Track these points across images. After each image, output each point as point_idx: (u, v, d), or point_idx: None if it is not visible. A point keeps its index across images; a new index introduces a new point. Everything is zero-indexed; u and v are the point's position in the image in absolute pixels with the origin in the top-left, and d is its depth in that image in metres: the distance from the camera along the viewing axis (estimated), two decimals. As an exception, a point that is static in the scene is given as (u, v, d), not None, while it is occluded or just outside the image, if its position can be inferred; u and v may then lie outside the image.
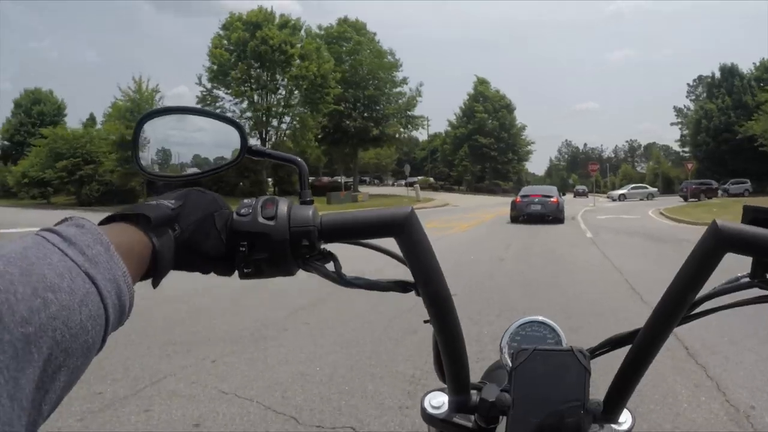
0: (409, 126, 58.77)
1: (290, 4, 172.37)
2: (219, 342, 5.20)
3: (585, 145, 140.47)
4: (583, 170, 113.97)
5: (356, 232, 0.67)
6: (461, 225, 20.59)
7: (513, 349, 0.77)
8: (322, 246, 0.69)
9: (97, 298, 0.45)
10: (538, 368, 0.71)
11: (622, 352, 0.71)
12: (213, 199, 0.69)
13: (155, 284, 0.62)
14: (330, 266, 0.70)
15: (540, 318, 0.84)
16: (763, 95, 50.77)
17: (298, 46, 43.88)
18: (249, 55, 42.29)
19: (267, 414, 3.57)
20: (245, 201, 0.68)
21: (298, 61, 43.32)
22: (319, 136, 52.20)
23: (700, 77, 79.80)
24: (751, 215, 0.65)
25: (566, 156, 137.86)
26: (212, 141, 0.79)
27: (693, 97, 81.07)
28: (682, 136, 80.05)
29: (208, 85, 45.13)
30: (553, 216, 22.34)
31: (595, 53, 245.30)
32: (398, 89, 56.87)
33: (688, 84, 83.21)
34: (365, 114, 54.78)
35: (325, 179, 66.14)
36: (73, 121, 77.50)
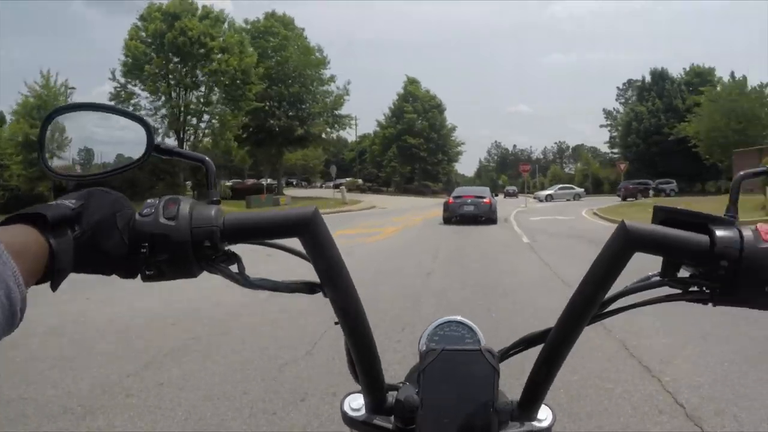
0: (336, 125, 56.32)
1: (222, 4, 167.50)
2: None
3: (514, 146, 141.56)
4: (512, 171, 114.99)
5: (260, 232, 0.67)
6: (387, 230, 18.82)
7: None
8: (227, 247, 0.68)
9: None
10: (446, 368, 0.70)
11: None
12: (116, 199, 0.67)
13: (54, 287, 0.60)
14: (235, 268, 0.69)
15: (458, 318, 0.82)
16: (694, 98, 52.00)
17: (220, 39, 40.92)
18: (166, 47, 39.22)
19: None
20: (149, 201, 0.67)
21: (219, 54, 40.36)
22: (243, 136, 49.69)
23: (629, 81, 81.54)
24: (662, 216, 0.68)
25: (496, 157, 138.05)
26: (135, 139, 0.75)
27: (622, 100, 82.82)
28: (611, 137, 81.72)
29: (122, 80, 41.51)
30: (486, 217, 22.04)
31: (529, 57, 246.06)
32: (325, 87, 54.61)
33: (618, 87, 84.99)
34: (290, 113, 52.15)
35: (249, 181, 63.43)
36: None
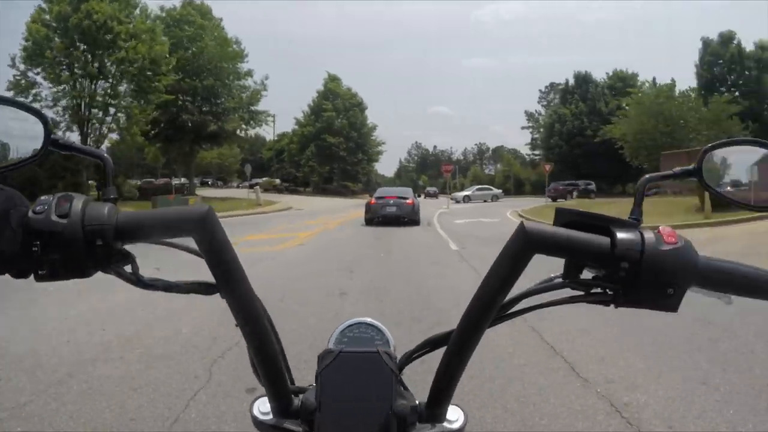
0: (252, 122, 53.44)
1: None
2: None
3: (435, 147, 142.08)
4: (433, 171, 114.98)
5: (153, 230, 0.66)
6: (300, 235, 16.86)
7: None
8: (124, 246, 0.67)
9: None
10: (344, 371, 0.70)
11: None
12: (10, 196, 0.65)
13: None
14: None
15: (368, 320, 0.85)
16: (621, 100, 52.77)
17: (130, 25, 36.96)
18: (70, 32, 35.17)
19: None
20: (42, 198, 0.66)
21: (130, 41, 36.37)
22: (154, 132, 46.65)
23: (552, 84, 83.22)
24: (564, 218, 0.69)
25: (416, 157, 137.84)
26: (31, 133, 0.73)
27: (545, 103, 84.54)
28: (533, 139, 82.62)
29: (23, 68, 36.88)
30: (408, 218, 21.68)
31: (451, 59, 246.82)
32: (242, 82, 51.84)
33: (540, 90, 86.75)
34: (204, 108, 49.02)
35: (160, 181, 60.18)
36: None
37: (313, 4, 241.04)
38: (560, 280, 0.70)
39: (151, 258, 0.75)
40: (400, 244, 14.35)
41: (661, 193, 34.95)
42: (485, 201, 52.66)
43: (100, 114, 38.96)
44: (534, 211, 28.62)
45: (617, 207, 22.01)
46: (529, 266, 0.65)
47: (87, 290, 7.27)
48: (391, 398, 0.68)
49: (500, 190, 60.54)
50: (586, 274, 0.71)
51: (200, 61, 47.70)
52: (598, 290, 0.69)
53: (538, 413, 3.69)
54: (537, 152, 79.86)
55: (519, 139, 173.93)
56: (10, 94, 33.90)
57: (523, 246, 0.63)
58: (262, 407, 0.76)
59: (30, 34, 35.66)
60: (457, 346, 0.69)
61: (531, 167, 78.11)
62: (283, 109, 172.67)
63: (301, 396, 0.75)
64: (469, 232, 18.16)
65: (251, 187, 49.97)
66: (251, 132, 61.57)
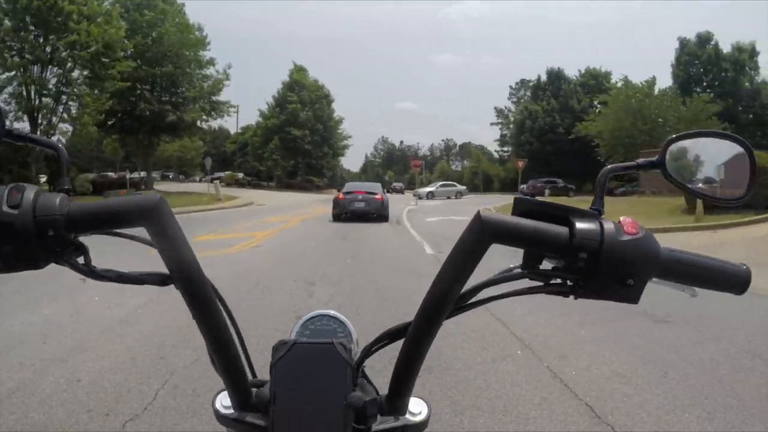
0: (214, 113, 50.65)
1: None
2: None
3: (401, 142, 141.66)
4: (399, 167, 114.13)
5: (105, 221, 0.65)
6: (258, 235, 15.17)
7: None
8: (78, 237, 0.67)
9: None
10: (298, 362, 0.69)
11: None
12: None
13: None
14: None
15: (331, 312, 0.88)
16: (600, 97, 51.81)
17: (84, 7, 34.01)
18: (20, 13, 32.37)
19: None
20: None
21: (82, 23, 33.27)
22: (109, 123, 44.14)
23: (522, 80, 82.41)
24: (522, 207, 0.69)
25: (382, 153, 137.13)
26: None
27: (515, 99, 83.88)
28: (502, 135, 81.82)
29: None
30: (377, 213, 21.35)
31: (419, 56, 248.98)
32: (204, 71, 49.01)
33: (511, 86, 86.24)
34: (163, 97, 46.43)
35: (116, 175, 57.37)
36: None
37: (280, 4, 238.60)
38: (519, 270, 0.70)
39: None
40: (370, 248, 12.74)
41: (639, 193, 34.01)
42: (448, 197, 51.24)
43: (52, 103, 36.44)
44: (508, 208, 26.71)
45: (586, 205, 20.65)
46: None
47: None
48: (345, 389, 0.67)
49: (464, 187, 59.26)
50: (547, 265, 0.70)
51: (160, 47, 44.95)
52: (558, 281, 0.69)
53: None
54: (506, 149, 79.43)
55: (486, 136, 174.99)
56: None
57: (480, 235, 0.63)
58: (224, 401, 0.76)
59: (-23, 15, 32.88)
60: (414, 338, 0.69)
61: (500, 164, 77.46)
62: (248, 102, 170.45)
63: (256, 389, 0.74)
64: (442, 232, 16.72)
65: (212, 181, 47.93)
66: (214, 124, 59.17)
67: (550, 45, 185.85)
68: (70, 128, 38.54)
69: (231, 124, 77.49)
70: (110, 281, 0.67)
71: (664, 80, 56.72)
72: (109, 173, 60.63)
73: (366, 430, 0.71)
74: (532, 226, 0.64)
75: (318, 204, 33.02)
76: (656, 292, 0.73)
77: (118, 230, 0.68)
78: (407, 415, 0.75)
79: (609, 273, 0.64)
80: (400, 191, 65.98)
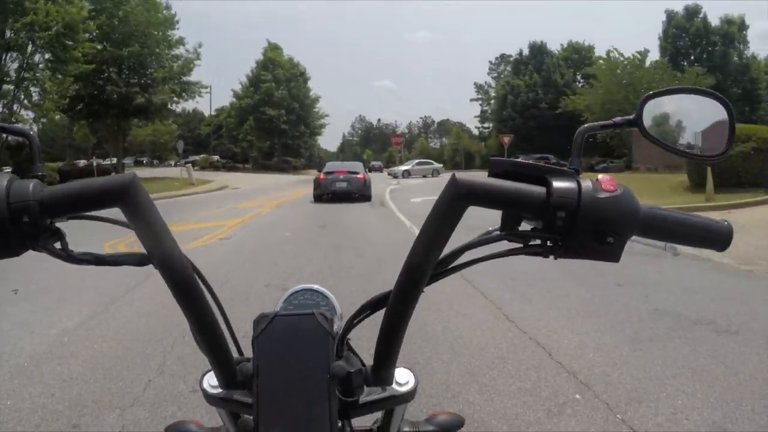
0: (185, 94, 48.55)
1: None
2: None
3: (379, 120, 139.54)
4: (376, 145, 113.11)
5: (79, 204, 0.65)
6: (228, 224, 13.61)
7: None
8: (55, 223, 0.67)
9: None
10: (280, 334, 0.69)
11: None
12: None
13: None
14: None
15: (315, 286, 0.88)
16: (584, 71, 52.06)
17: None
18: None
19: None
20: None
21: (41, 1, 31.37)
22: (76, 108, 42.15)
23: (502, 55, 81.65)
24: (499, 168, 0.69)
25: (360, 131, 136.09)
26: None
27: (495, 75, 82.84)
28: (482, 111, 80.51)
29: None
30: (359, 193, 21.02)
31: (395, 33, 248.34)
32: (174, 51, 46.79)
33: (491, 62, 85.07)
34: (132, 79, 44.18)
35: (84, 162, 55.02)
36: None
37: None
38: (498, 232, 0.70)
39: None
40: (354, 237, 11.22)
41: (634, 169, 32.84)
42: (424, 176, 49.40)
43: (14, 90, 34.33)
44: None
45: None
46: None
47: None
48: (328, 360, 0.67)
49: (440, 165, 57.37)
50: (526, 227, 0.70)
51: (126, 27, 42.74)
52: (537, 242, 0.68)
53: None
54: (487, 125, 78.22)
55: (465, 113, 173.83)
56: None
57: (456, 198, 0.63)
58: (212, 381, 0.75)
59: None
60: (396, 307, 0.69)
61: (480, 140, 76.39)
62: (222, 82, 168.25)
63: (241, 364, 0.73)
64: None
65: (185, 165, 46.07)
66: (187, 106, 57.04)
67: (530, 19, 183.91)
68: (32, 116, 36.33)
69: (205, 106, 76.11)
70: (88, 264, 0.68)
71: (652, 54, 55.80)
72: (81, 161, 58.39)
73: (354, 402, 0.72)
74: (508, 187, 0.64)
75: (295, 185, 31.60)
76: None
77: (93, 213, 0.68)
78: (394, 385, 0.75)
79: (588, 231, 0.64)
80: (379, 170, 64.38)
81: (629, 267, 7.43)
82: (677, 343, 4.64)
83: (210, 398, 0.75)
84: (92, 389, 3.78)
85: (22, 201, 0.61)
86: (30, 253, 0.65)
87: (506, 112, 64.20)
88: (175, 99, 48.75)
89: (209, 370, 0.75)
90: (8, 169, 30.21)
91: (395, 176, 47.74)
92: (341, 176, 21.39)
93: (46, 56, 34.29)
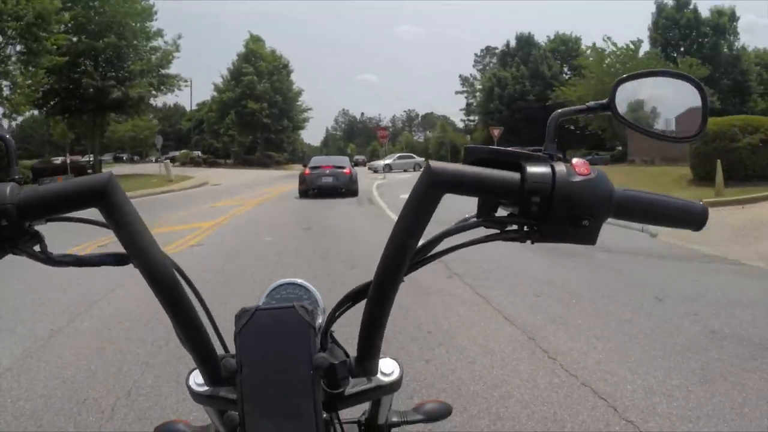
0: (163, 87, 46.83)
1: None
2: None
3: (362, 114, 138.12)
4: (360, 139, 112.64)
5: (57, 205, 0.65)
6: (204, 226, 12.36)
7: None
8: (33, 226, 0.67)
9: None
10: (261, 328, 0.69)
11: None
12: None
13: None
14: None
15: (298, 280, 0.89)
16: (576, 62, 50.23)
17: None
18: None
19: None
20: None
21: None
22: (52, 103, 40.70)
23: (488, 48, 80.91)
24: (474, 155, 0.69)
25: (343, 125, 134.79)
26: None
27: (480, 67, 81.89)
28: (467, 104, 79.65)
29: None
30: (346, 188, 20.74)
31: (378, 27, 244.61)
32: (153, 43, 45.07)
33: (476, 54, 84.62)
34: (110, 72, 42.54)
35: (58, 160, 53.25)
36: None
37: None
38: (475, 219, 0.70)
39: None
40: (342, 241, 10.03)
41: (629, 162, 31.96)
42: (405, 170, 48.10)
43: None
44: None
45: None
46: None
47: None
48: (310, 352, 0.67)
49: (422, 159, 55.67)
50: (503, 213, 0.71)
51: (102, 17, 41.17)
52: (514, 227, 0.69)
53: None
54: (472, 118, 77.31)
55: (449, 106, 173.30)
56: None
57: (431, 186, 0.62)
58: (198, 379, 0.75)
59: None
60: (376, 297, 0.69)
61: (466, 133, 75.56)
62: (204, 77, 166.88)
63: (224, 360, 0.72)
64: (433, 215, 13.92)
65: (164, 161, 44.71)
66: (169, 101, 55.41)
67: (515, 12, 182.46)
68: (1, 111, 34.82)
69: (187, 100, 74.88)
70: (68, 266, 0.67)
71: (643, 45, 55.03)
72: (59, 158, 56.78)
73: (340, 393, 0.73)
74: (483, 174, 0.64)
75: (277, 181, 30.51)
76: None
77: (71, 215, 0.67)
78: (379, 376, 0.75)
79: (563, 215, 0.64)
80: (363, 164, 63.24)
81: (657, 274, 6.69)
82: (756, 380, 3.70)
83: (196, 396, 0.75)
84: None
85: None
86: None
87: (493, 104, 62.71)
88: (154, 92, 47.07)
89: (195, 368, 0.74)
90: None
91: (375, 171, 46.36)
92: (327, 171, 20.91)
93: (18, 48, 32.83)
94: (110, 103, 42.82)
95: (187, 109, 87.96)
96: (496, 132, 40.13)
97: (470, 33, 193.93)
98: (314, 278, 6.31)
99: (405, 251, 0.65)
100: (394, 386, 0.76)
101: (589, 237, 0.65)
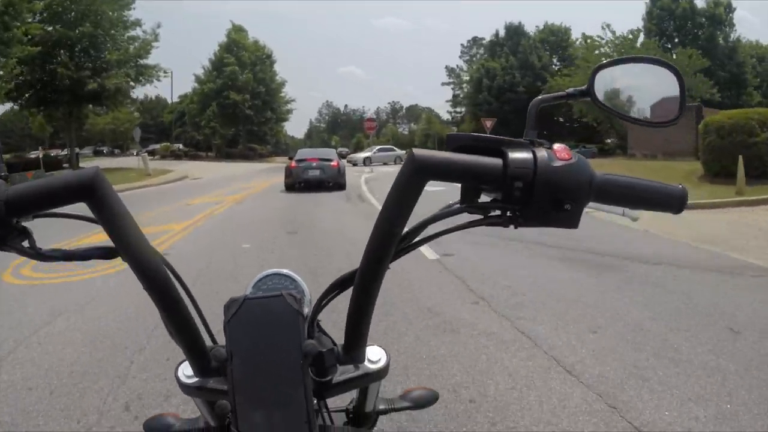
0: (142, 78, 44.97)
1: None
2: None
3: (346, 106, 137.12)
4: (344, 131, 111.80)
5: (44, 201, 0.65)
6: (176, 227, 10.99)
7: None
8: (21, 223, 0.67)
9: None
10: (250, 317, 0.69)
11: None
12: None
13: None
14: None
15: (284, 271, 0.89)
16: (579, 50, 50.52)
17: None
18: None
19: None
20: None
21: None
22: (26, 96, 38.99)
23: (474, 38, 79.79)
24: (456, 143, 0.70)
25: (327, 117, 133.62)
26: None
27: (467, 58, 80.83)
28: (454, 96, 78.59)
29: None
30: (333, 182, 20.28)
31: (361, 19, 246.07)
32: (130, 33, 43.29)
33: (462, 45, 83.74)
34: (86, 63, 40.74)
35: (33, 154, 51.39)
36: None
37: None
38: (458, 205, 0.72)
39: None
40: (333, 249, 8.57)
41: (630, 156, 30.87)
42: (386, 163, 46.51)
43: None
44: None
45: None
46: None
47: None
48: (300, 339, 0.67)
49: (403, 152, 53.13)
50: (486, 199, 0.71)
51: (78, 5, 39.43)
52: (497, 212, 0.70)
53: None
54: (459, 109, 76.04)
55: (434, 98, 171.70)
56: None
57: (415, 173, 0.64)
58: (187, 370, 0.76)
59: None
60: (362, 284, 0.70)
61: (452, 125, 74.41)
62: (186, 68, 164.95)
63: (213, 350, 0.72)
64: (423, 212, 12.42)
65: (137, 154, 43.00)
66: (150, 93, 53.55)
67: (502, 3, 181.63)
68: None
69: (168, 92, 73.31)
70: (57, 260, 0.69)
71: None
72: (38, 152, 55.04)
73: (327, 382, 0.74)
74: (465, 160, 0.65)
75: (260, 174, 29.32)
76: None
77: (59, 210, 0.67)
78: (366, 363, 0.76)
79: (545, 200, 0.65)
80: (343, 156, 61.84)
81: (715, 292, 5.68)
82: None
83: (185, 388, 0.75)
84: None
85: None
86: None
87: (482, 95, 61.37)
88: (131, 83, 45.27)
89: (184, 360, 0.75)
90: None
91: (355, 164, 45.01)
92: (314, 164, 20.39)
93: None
94: (86, 94, 41.07)
95: (169, 101, 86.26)
96: (488, 123, 38.78)
97: (455, 24, 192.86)
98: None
99: (390, 239, 0.66)
100: (381, 373, 0.77)
101: (571, 220, 0.67)
